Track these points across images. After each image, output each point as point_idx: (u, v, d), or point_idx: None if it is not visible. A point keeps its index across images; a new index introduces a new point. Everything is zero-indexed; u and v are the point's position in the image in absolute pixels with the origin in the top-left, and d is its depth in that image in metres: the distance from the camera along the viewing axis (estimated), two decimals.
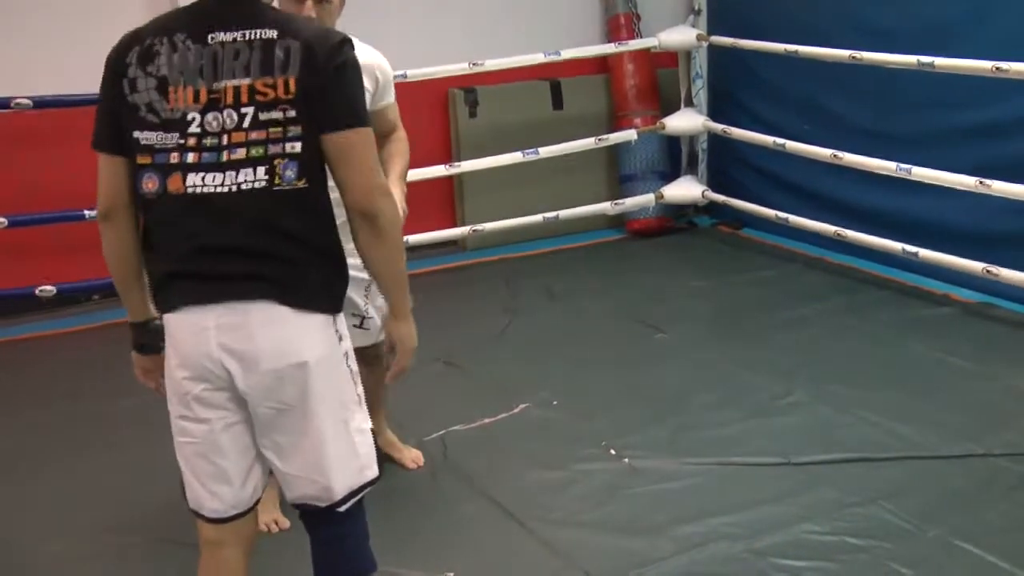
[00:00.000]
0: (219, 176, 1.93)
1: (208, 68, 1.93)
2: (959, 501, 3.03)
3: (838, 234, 5.05)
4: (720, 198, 5.83)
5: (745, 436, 3.48)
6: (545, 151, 5.50)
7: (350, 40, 2.01)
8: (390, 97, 3.02)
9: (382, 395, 3.30)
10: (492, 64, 5.32)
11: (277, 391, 1.99)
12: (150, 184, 1.96)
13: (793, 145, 5.22)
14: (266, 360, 1.96)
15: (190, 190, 1.93)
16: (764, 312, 4.66)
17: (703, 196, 5.88)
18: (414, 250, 5.17)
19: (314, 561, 2.23)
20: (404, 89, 3.70)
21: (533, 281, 5.24)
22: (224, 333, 1.95)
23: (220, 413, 2.02)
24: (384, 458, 3.23)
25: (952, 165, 4.46)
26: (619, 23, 5.95)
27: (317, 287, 2.01)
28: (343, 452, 2.08)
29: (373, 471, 2.16)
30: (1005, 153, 4.41)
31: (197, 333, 1.96)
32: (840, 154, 4.93)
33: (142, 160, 1.97)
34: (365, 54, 2.62)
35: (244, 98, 1.92)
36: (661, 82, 6.02)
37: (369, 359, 3.07)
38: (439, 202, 5.75)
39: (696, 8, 5.86)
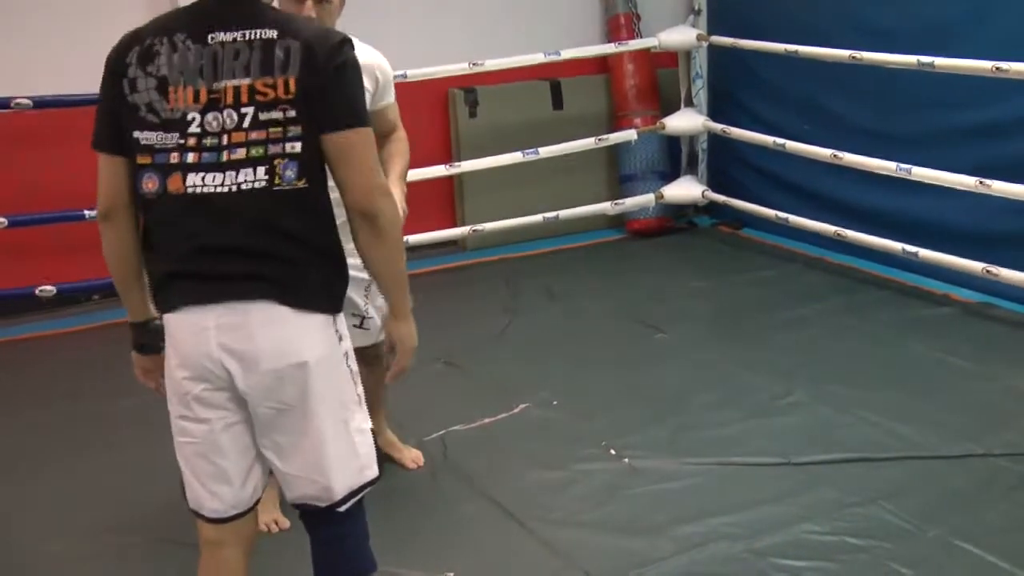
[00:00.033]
0: (219, 176, 1.92)
1: (208, 68, 1.93)
2: (959, 501, 3.04)
3: (838, 234, 5.05)
4: (720, 198, 5.83)
5: (745, 436, 3.48)
6: (545, 151, 5.50)
7: (350, 40, 2.01)
8: (390, 97, 3.02)
9: (382, 395, 3.30)
10: (492, 64, 5.32)
11: (277, 391, 1.99)
12: (150, 184, 1.96)
13: (793, 145, 5.22)
14: (266, 360, 1.96)
15: (190, 190, 1.93)
16: (764, 312, 4.66)
17: (703, 196, 5.88)
18: (414, 250, 5.17)
19: (314, 561, 2.23)
20: (404, 89, 3.70)
21: (533, 281, 5.24)
22: (224, 333, 1.95)
23: (220, 413, 2.02)
24: (384, 458, 3.23)
25: (952, 165, 4.46)
26: (619, 23, 5.95)
27: (317, 287, 2.01)
28: (343, 452, 2.08)
29: (373, 471, 2.16)
30: (1005, 153, 4.41)
31: (197, 333, 1.96)
32: (840, 154, 4.93)
33: (142, 160, 1.97)
34: (365, 54, 2.62)
35: (244, 98, 1.92)
36: (661, 82, 6.02)
37: (369, 359, 3.07)
38: (439, 202, 5.74)
39: (696, 8, 5.86)
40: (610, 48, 5.76)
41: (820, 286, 4.97)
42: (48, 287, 4.77)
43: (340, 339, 2.07)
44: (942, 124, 4.72)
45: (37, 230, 4.83)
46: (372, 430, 2.19)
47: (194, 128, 1.93)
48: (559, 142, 5.56)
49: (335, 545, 2.19)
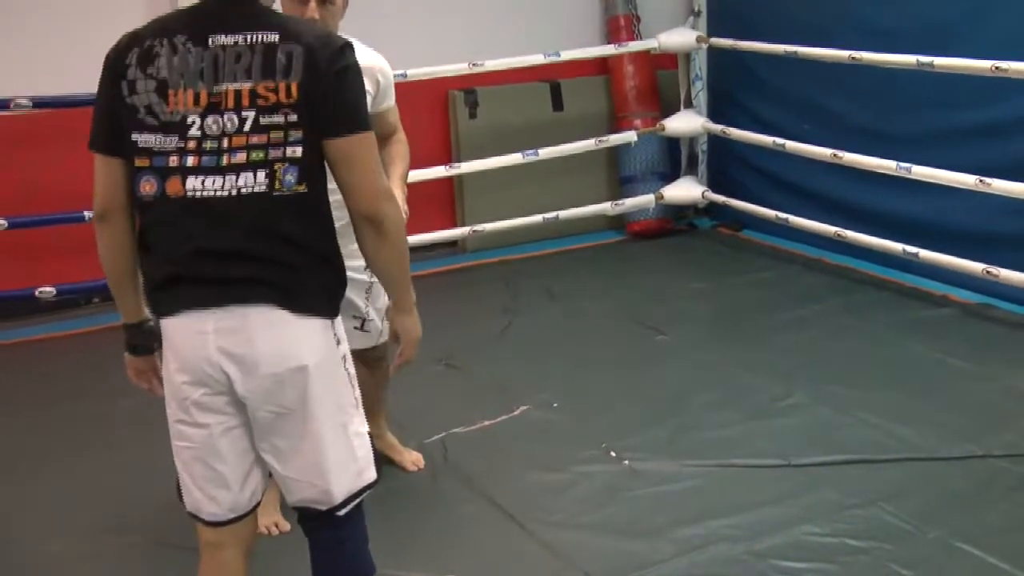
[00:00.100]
0: (219, 180, 1.92)
1: (209, 71, 1.92)
2: (959, 502, 3.04)
3: (838, 235, 5.05)
4: (720, 199, 5.83)
5: (745, 438, 3.48)
6: (545, 152, 5.50)
7: (351, 44, 2.00)
8: (391, 100, 3.02)
9: (383, 397, 3.30)
10: (492, 65, 5.32)
11: (276, 395, 1.99)
12: (148, 187, 1.95)
13: (793, 145, 5.22)
14: (265, 364, 1.96)
15: (190, 194, 1.93)
16: (764, 313, 4.66)
17: (703, 197, 5.88)
18: (414, 251, 5.05)
19: (313, 565, 2.23)
20: (404, 89, 3.69)
21: (533, 282, 5.23)
22: (223, 337, 1.95)
23: (219, 418, 2.02)
24: (384, 460, 3.23)
25: (952, 165, 4.46)
26: (619, 24, 5.95)
27: (316, 291, 2.01)
28: (342, 456, 2.08)
29: (371, 474, 2.16)
30: (1005, 153, 4.41)
31: (196, 337, 1.96)
32: (840, 154, 4.93)
33: (140, 163, 1.96)
34: (366, 57, 2.63)
35: (245, 101, 1.91)
36: (661, 83, 6.02)
37: (370, 361, 3.07)
38: (439, 203, 5.74)
39: (696, 10, 5.86)
40: (610, 49, 5.76)
41: (819, 287, 4.97)
42: (48, 289, 4.77)
43: (338, 343, 2.07)
44: (942, 124, 4.72)
45: (37, 231, 4.82)
46: (370, 433, 2.19)
47: (194, 131, 1.92)
48: (559, 143, 5.56)
49: (334, 549, 2.19)
